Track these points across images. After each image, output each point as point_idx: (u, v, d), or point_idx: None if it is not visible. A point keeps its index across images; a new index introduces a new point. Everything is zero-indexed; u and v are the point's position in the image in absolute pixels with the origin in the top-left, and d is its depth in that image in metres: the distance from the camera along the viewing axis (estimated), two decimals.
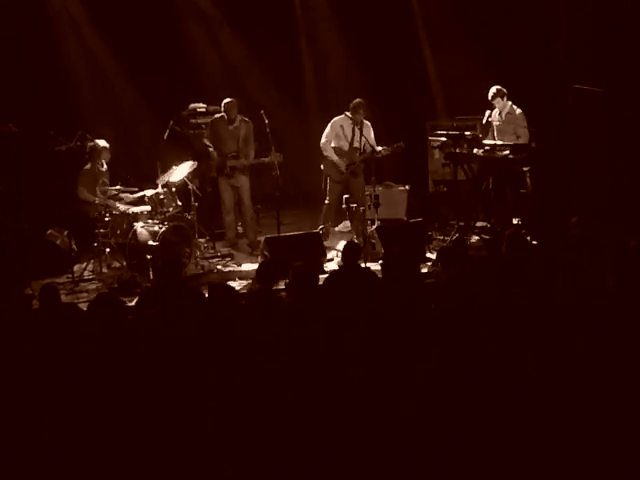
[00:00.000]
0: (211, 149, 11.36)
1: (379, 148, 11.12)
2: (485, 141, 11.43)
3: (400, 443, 4.99)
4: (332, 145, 11.23)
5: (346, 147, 11.19)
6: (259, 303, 7.28)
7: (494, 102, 11.39)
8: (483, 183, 11.40)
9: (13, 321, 7.34)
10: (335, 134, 11.22)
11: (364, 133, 11.13)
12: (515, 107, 11.31)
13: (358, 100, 11.19)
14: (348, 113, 11.18)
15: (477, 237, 11.39)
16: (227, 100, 11.34)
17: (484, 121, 11.63)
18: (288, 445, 5.08)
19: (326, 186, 11.38)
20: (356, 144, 11.18)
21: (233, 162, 11.32)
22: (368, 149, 11.15)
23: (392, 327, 6.12)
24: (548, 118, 12.05)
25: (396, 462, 4.91)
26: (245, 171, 11.40)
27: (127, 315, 7.30)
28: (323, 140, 11.25)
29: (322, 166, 11.34)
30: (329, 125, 11.27)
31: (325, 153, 11.25)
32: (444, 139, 11.78)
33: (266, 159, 11.09)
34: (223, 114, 11.36)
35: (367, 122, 11.26)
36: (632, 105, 11.25)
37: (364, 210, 10.84)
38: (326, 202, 11.35)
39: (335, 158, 11.20)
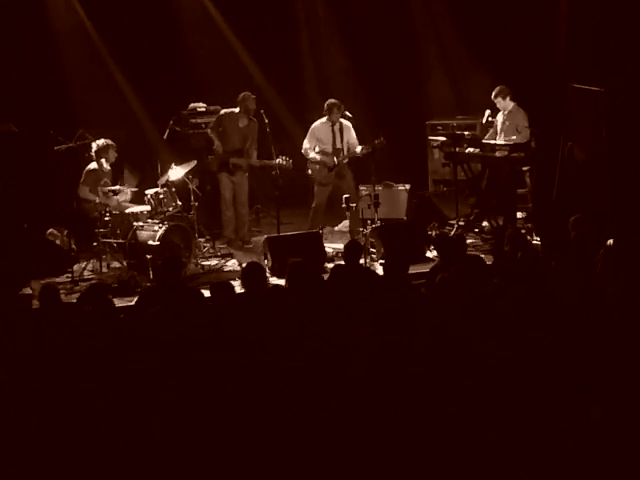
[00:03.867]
0: (217, 143, 11.34)
1: (359, 148, 11.15)
2: (485, 140, 11.44)
3: (400, 443, 4.99)
4: (316, 150, 11.26)
5: (329, 149, 11.22)
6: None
7: (495, 101, 11.43)
8: (483, 183, 11.40)
9: (13, 321, 7.35)
10: (316, 139, 11.25)
11: (344, 134, 11.19)
12: (518, 107, 11.35)
13: (330, 101, 11.21)
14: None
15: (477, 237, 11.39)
16: (247, 93, 11.30)
17: (484, 121, 11.64)
18: (288, 444, 5.08)
19: (313, 189, 11.42)
20: (338, 145, 11.22)
21: (237, 160, 11.33)
22: (351, 150, 11.19)
23: (393, 326, 6.12)
24: (548, 118, 12.04)
25: (398, 462, 4.91)
26: (246, 170, 11.42)
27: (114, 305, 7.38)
28: (304, 147, 11.29)
29: (309, 171, 11.36)
30: (309, 131, 11.31)
31: (308, 157, 11.28)
32: (444, 139, 11.78)
33: (274, 162, 11.04)
34: (236, 109, 11.31)
35: (347, 123, 11.27)
36: (632, 105, 11.24)
37: (358, 207, 10.88)
38: (313, 205, 11.38)
39: (319, 157, 11.21)
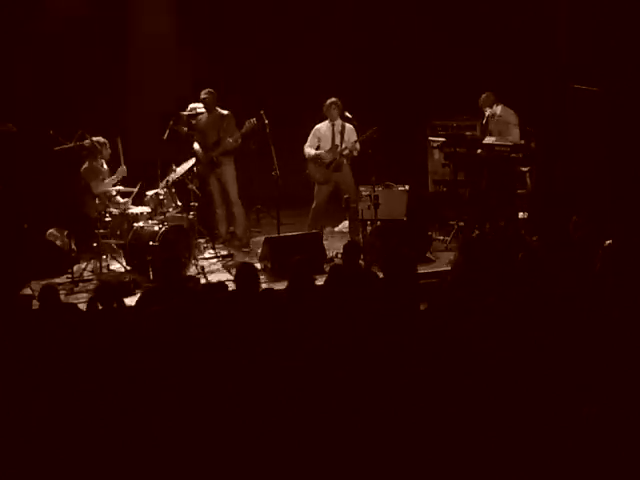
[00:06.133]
0: (197, 147, 11.52)
1: (355, 141, 11.28)
2: (485, 141, 11.45)
3: (400, 443, 4.99)
4: (317, 149, 11.38)
5: (328, 147, 11.27)
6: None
7: (483, 110, 11.53)
8: (483, 183, 11.40)
9: (13, 321, 7.35)
10: (317, 138, 11.38)
11: (345, 134, 11.28)
12: (507, 109, 11.41)
13: (328, 101, 11.32)
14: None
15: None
16: (204, 90, 11.47)
17: (484, 121, 11.67)
18: (288, 444, 5.07)
19: (314, 189, 11.46)
20: (337, 142, 11.29)
21: (217, 150, 11.41)
22: (350, 146, 11.28)
23: (392, 327, 6.12)
24: (548, 118, 12.05)
25: (398, 462, 4.91)
26: (230, 162, 11.42)
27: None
28: (306, 146, 11.41)
29: (307, 170, 11.43)
30: (311, 133, 11.42)
31: (307, 156, 11.37)
32: (444, 139, 11.78)
33: (242, 129, 11.24)
34: (201, 107, 11.57)
35: (350, 125, 11.37)
36: (631, 105, 11.24)
37: (358, 208, 10.98)
38: (312, 206, 11.42)
39: (314, 152, 11.31)
